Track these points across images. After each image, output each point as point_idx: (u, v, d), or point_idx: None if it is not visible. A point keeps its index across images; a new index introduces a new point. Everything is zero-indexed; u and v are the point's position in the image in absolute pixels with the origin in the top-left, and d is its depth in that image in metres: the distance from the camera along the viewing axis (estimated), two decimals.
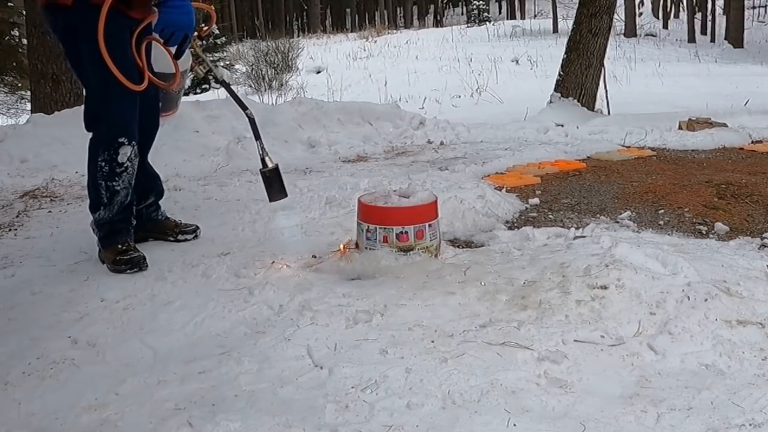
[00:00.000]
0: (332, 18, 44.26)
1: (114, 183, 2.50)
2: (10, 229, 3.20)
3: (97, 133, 2.51)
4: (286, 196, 2.71)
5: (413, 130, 5.41)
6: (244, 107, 2.67)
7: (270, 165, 2.63)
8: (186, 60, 2.68)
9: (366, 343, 1.87)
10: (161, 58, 2.52)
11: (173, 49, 2.49)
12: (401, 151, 4.97)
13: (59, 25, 2.43)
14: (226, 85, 2.73)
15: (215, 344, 1.95)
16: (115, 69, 2.27)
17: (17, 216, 3.43)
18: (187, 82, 2.96)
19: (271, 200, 2.72)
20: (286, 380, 1.73)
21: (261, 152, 2.63)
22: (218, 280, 2.36)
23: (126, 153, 2.47)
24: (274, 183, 2.67)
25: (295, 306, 2.10)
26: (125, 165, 2.49)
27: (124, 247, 2.54)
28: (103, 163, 2.48)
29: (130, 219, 2.64)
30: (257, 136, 2.64)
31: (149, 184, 2.82)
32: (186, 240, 2.83)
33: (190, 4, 2.42)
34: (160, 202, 2.90)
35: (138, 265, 2.50)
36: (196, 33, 2.55)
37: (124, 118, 2.46)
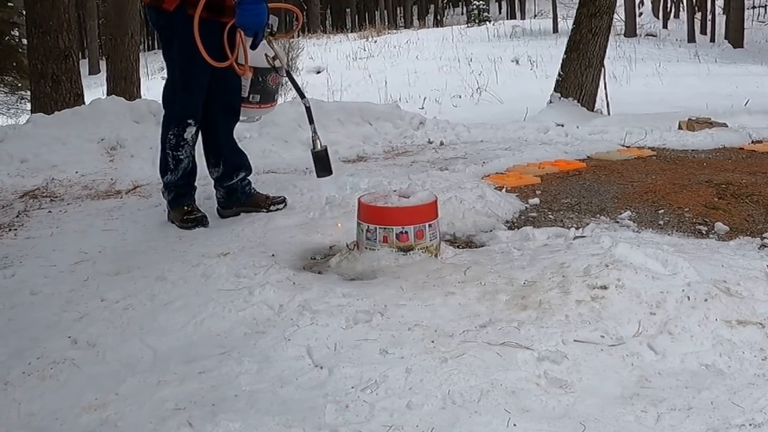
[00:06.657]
0: (332, 18, 44.25)
1: (178, 153, 3.03)
2: (10, 229, 3.20)
3: (172, 111, 3.03)
4: (331, 173, 2.95)
5: (413, 130, 5.41)
6: (302, 96, 2.93)
7: (319, 147, 2.90)
8: (262, 57, 2.96)
9: (366, 343, 1.87)
10: (257, 55, 2.93)
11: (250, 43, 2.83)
12: (401, 151, 4.97)
13: (160, 24, 2.92)
14: (289, 76, 3.03)
15: (215, 344, 1.95)
16: (207, 56, 2.75)
17: (17, 216, 3.43)
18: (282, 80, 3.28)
19: (318, 177, 2.97)
20: (286, 380, 1.73)
21: (313, 135, 2.90)
22: (218, 280, 2.36)
23: (190, 132, 3.02)
24: (319, 162, 2.94)
25: (295, 306, 2.10)
26: (188, 140, 3.02)
27: (189, 209, 3.08)
28: (172, 137, 3.02)
29: (193, 184, 3.16)
30: (311, 121, 2.91)
31: (238, 160, 3.22)
32: (277, 210, 3.17)
33: (259, 6, 2.70)
34: (250, 178, 3.26)
35: (201, 222, 3.03)
36: (268, 31, 2.82)
37: (194, 105, 3.00)
